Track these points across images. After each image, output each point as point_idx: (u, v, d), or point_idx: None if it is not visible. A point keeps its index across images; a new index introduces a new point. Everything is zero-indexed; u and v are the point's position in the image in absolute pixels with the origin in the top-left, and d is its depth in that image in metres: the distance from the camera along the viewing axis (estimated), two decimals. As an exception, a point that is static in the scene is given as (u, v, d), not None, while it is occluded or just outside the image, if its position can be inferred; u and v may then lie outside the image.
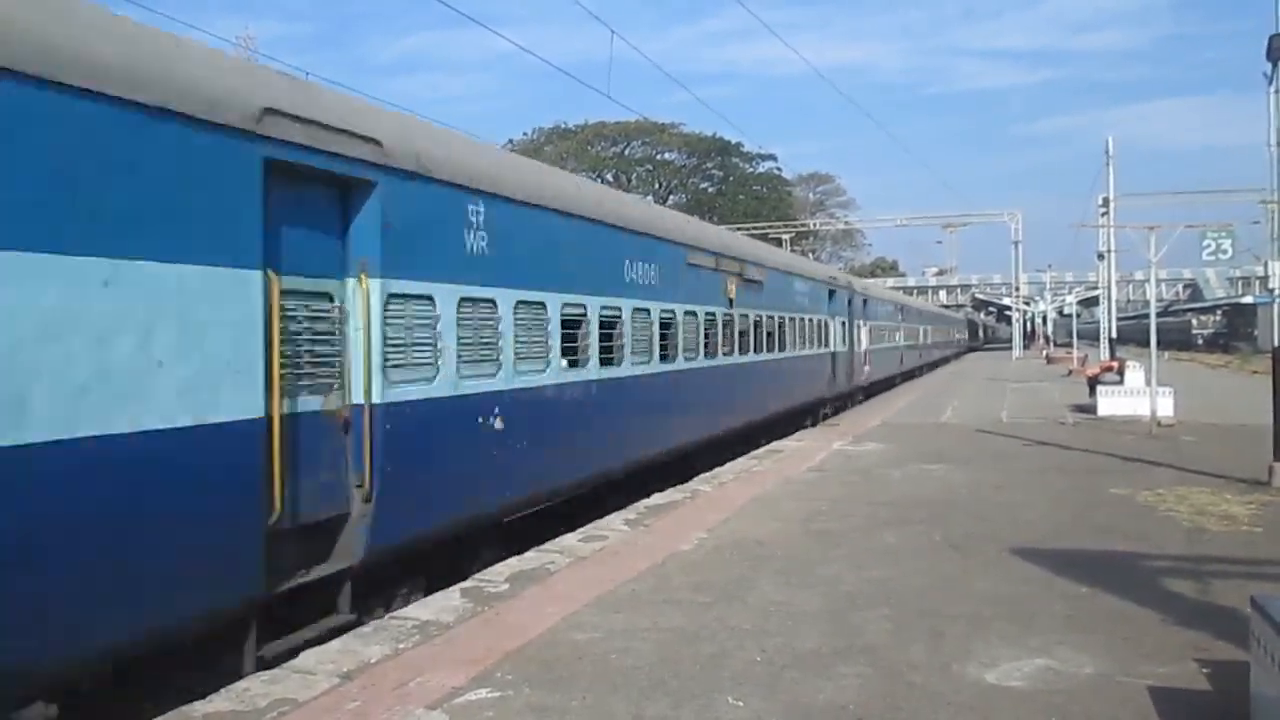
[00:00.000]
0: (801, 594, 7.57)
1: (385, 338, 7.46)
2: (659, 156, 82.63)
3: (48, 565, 4.93)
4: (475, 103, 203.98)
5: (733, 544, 9.42)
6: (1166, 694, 5.37)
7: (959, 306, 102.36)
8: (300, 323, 6.87)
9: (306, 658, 6.14)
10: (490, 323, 9.07)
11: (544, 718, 5.21)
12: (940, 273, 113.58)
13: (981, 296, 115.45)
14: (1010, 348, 74.66)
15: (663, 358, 13.53)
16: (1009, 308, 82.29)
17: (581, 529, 10.27)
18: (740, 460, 15.76)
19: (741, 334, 17.49)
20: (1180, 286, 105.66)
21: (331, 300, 7.19)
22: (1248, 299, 67.73)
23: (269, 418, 6.28)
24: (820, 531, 10.00)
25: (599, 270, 11.78)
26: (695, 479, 13.92)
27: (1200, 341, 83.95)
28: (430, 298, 8.11)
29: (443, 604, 7.38)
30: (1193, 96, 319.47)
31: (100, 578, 5.19)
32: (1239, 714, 4.87)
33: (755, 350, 18.32)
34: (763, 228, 66.20)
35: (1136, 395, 21.95)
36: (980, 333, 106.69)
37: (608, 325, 11.91)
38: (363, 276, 7.31)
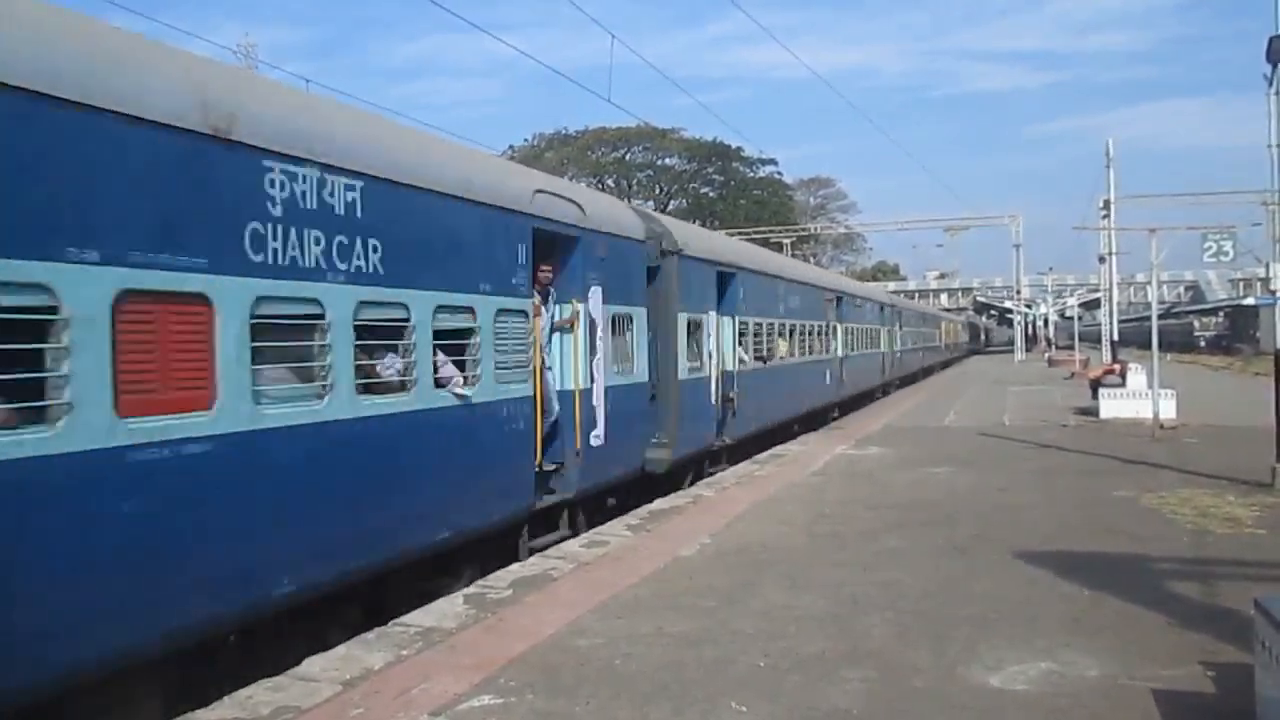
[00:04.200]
0: (805, 598, 7.57)
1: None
2: (659, 161, 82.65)
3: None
4: (477, 108, 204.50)
5: (736, 548, 9.42)
6: (1171, 697, 5.36)
7: (961, 310, 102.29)
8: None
9: (310, 664, 6.14)
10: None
11: (548, 724, 5.20)
12: (941, 276, 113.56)
13: (983, 299, 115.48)
14: (1012, 351, 74.64)
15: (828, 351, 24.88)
16: (1010, 311, 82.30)
17: (584, 534, 10.28)
18: (743, 465, 15.75)
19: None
20: (1182, 288, 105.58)
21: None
22: (1249, 301, 67.59)
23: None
24: (824, 535, 10.00)
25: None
26: (698, 484, 13.95)
27: (1202, 343, 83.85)
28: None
29: (445, 610, 7.37)
30: (1196, 97, 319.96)
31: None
32: (1244, 716, 4.85)
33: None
34: (764, 232, 66.12)
35: (1138, 398, 21.92)
36: (982, 336, 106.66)
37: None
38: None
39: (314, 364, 6.63)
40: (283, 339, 6.37)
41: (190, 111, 5.68)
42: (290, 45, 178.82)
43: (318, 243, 6.60)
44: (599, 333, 11.02)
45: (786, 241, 67.23)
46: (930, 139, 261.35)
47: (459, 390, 8.27)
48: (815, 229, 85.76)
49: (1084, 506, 11.36)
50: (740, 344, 16.60)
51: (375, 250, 7.14)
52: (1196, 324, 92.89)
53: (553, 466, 10.28)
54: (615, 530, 10.44)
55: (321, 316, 6.63)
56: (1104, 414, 22.14)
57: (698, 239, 15.73)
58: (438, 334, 7.99)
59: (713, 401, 15.14)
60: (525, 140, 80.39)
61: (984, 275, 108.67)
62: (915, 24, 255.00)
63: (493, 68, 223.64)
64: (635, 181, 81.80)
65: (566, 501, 10.55)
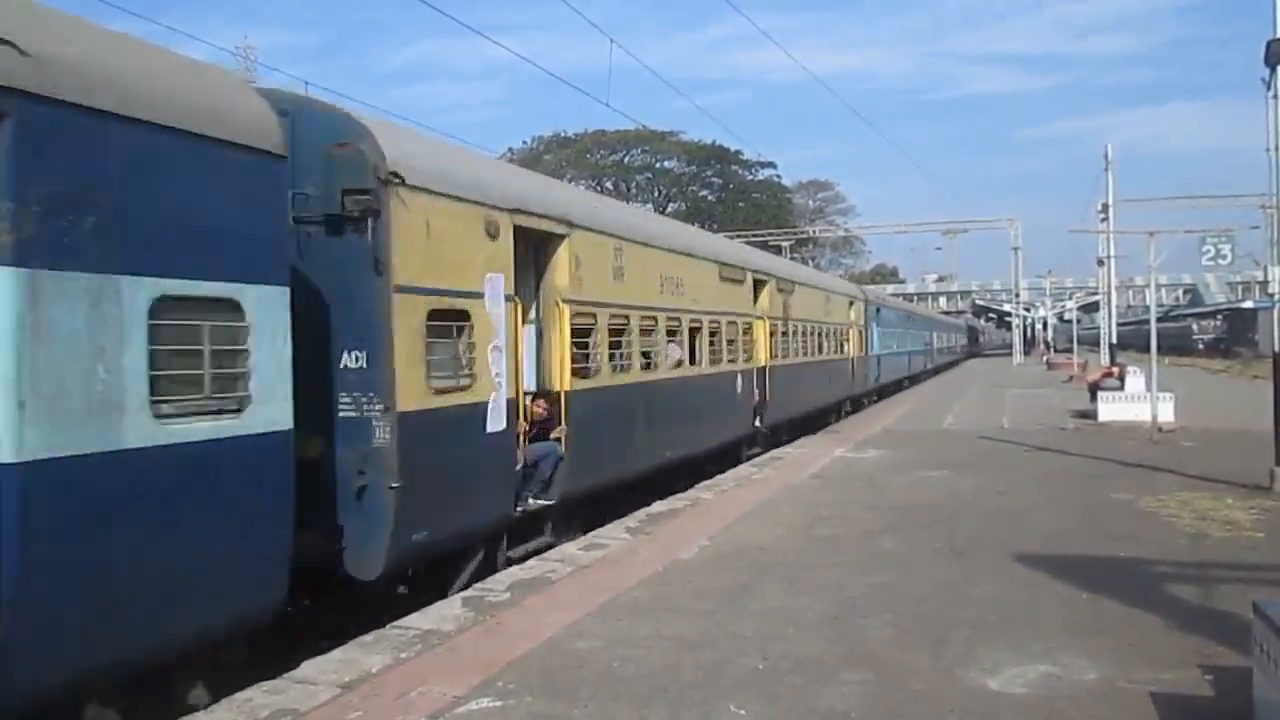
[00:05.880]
0: (803, 600, 7.57)
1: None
2: (658, 164, 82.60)
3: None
4: (477, 111, 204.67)
5: (734, 551, 9.42)
6: (1170, 700, 5.36)
7: (959, 313, 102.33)
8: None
9: (307, 668, 6.13)
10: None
11: (546, 726, 5.19)
12: (940, 279, 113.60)
13: (982, 302, 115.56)
14: (1010, 353, 74.65)
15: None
16: (1009, 314, 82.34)
17: (582, 537, 10.27)
18: (741, 467, 15.76)
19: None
20: (1180, 291, 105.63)
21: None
22: (1248, 304, 67.69)
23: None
24: (822, 538, 10.00)
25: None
26: (697, 486, 13.94)
27: (1201, 346, 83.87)
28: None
29: (444, 613, 7.37)
30: (1194, 101, 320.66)
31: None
32: (1242, 719, 4.85)
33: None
34: (762, 235, 66.05)
35: (1137, 401, 21.95)
36: (980, 338, 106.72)
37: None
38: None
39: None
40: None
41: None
42: (289, 48, 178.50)
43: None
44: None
45: (785, 244, 67.20)
46: (929, 142, 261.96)
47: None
48: (814, 232, 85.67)
49: (1083, 510, 11.37)
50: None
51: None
52: (1195, 327, 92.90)
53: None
54: (614, 533, 10.44)
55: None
56: (1103, 417, 22.18)
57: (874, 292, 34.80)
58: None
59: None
60: (524, 143, 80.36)
61: (983, 278, 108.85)
62: (914, 27, 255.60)
63: (492, 71, 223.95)
64: (634, 184, 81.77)
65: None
